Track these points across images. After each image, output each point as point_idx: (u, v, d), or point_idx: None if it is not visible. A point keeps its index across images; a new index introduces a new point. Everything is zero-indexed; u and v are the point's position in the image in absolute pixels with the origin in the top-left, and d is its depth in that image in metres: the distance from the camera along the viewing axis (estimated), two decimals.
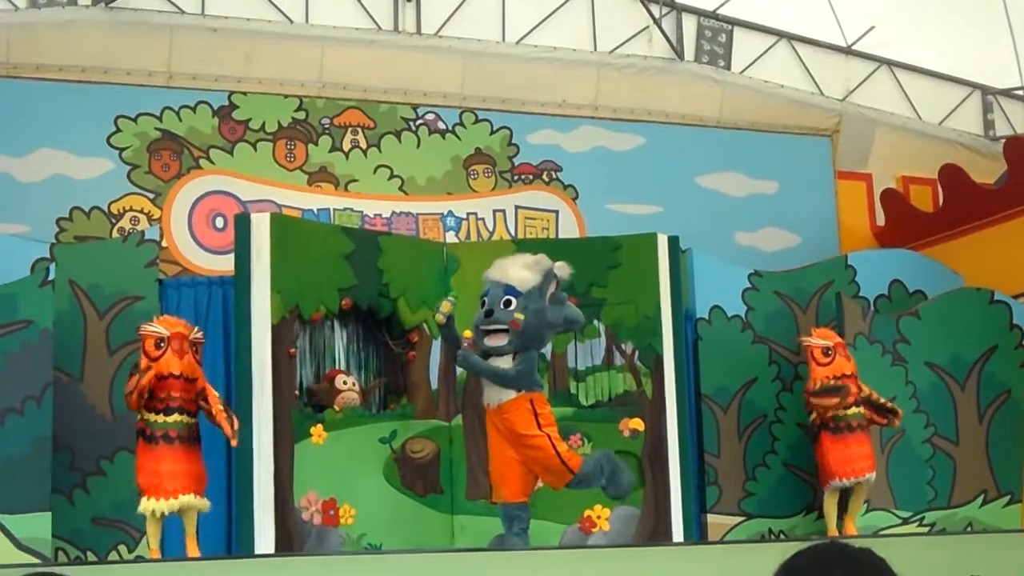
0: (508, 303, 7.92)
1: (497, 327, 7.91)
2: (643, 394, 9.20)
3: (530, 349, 8.01)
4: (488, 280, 8.05)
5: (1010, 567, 7.78)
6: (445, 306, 7.91)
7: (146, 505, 7.38)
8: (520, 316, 7.89)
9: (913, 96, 13.28)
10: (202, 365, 7.81)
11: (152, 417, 7.42)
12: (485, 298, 7.99)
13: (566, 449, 8.07)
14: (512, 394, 7.89)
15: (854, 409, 8.94)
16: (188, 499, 7.42)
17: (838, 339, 9.15)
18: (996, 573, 7.71)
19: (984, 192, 11.21)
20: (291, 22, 11.03)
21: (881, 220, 12.59)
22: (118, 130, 10.70)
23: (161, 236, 9.69)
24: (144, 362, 7.50)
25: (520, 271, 8.01)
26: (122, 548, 8.39)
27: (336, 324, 9.11)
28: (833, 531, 8.91)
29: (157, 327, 7.61)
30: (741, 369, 9.81)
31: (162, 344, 7.50)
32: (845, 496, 9.02)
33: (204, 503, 7.58)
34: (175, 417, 7.44)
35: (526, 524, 7.93)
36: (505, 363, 7.91)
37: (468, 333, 8.07)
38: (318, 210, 11.08)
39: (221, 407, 7.55)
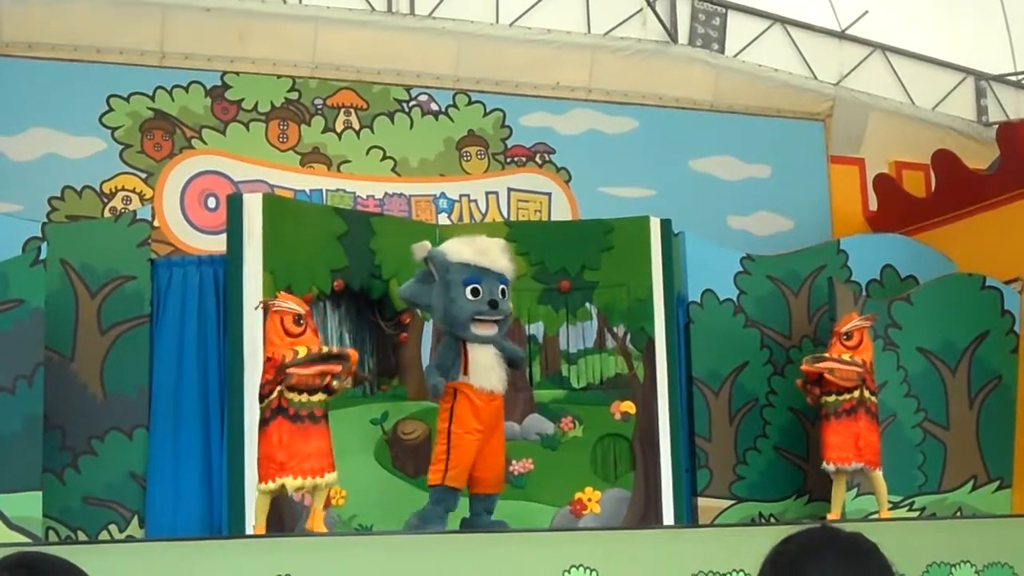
0: (503, 293, 7.75)
1: (496, 318, 7.71)
2: (635, 377, 9.21)
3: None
4: (476, 265, 7.67)
5: (1000, 552, 7.80)
6: None
7: (291, 484, 7.05)
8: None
9: (906, 81, 13.25)
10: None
11: (295, 396, 7.02)
12: (477, 285, 7.62)
13: None
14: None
15: (834, 397, 8.91)
16: (331, 477, 7.22)
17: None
18: (986, 558, 7.74)
19: (977, 178, 11.20)
20: (284, 2, 10.98)
21: (874, 205, 12.58)
22: (110, 109, 10.65)
23: (153, 216, 9.69)
24: (282, 340, 7.09)
25: (506, 260, 7.81)
26: (113, 528, 8.41)
27: (328, 305, 9.11)
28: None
29: (291, 304, 7.24)
30: (732, 353, 9.81)
31: (301, 321, 7.19)
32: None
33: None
34: (319, 396, 7.11)
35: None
36: (494, 351, 7.73)
37: None
38: (310, 191, 11.05)
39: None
